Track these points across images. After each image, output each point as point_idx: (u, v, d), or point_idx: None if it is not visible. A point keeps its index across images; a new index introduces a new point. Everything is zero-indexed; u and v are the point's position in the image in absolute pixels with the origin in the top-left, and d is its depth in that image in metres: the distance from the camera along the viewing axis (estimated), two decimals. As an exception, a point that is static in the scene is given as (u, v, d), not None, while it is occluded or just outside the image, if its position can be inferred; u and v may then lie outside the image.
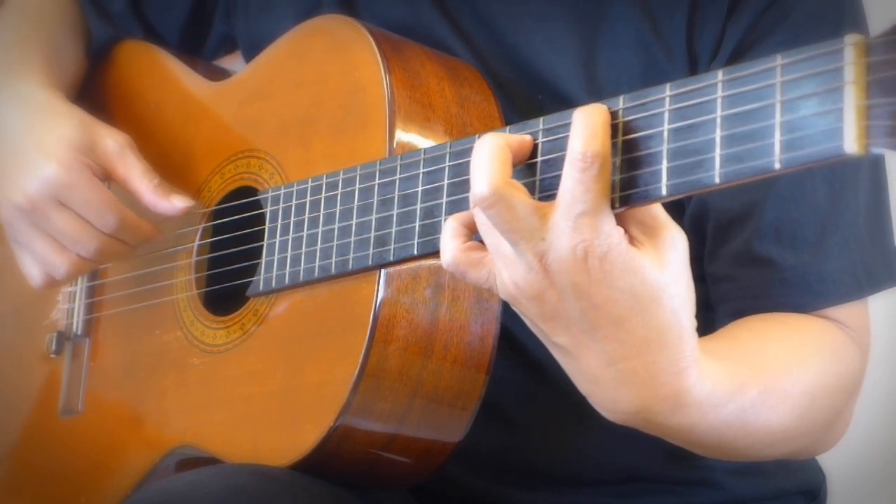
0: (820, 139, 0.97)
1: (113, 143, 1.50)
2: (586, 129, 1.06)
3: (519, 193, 1.08)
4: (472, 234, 1.14)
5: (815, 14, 1.36)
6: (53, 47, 1.64)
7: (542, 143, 1.12)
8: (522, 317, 1.14)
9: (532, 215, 1.07)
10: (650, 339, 1.10)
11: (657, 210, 1.08)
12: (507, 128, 1.21)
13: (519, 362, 1.43)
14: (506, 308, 1.33)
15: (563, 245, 1.06)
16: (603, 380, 1.12)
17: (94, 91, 1.68)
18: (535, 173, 1.12)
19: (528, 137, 1.12)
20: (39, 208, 1.48)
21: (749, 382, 1.20)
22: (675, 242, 1.09)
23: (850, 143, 0.95)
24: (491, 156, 1.08)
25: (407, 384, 1.30)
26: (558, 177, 1.08)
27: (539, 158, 1.12)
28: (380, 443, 1.32)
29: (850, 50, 0.95)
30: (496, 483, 1.46)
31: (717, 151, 1.03)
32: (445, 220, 1.16)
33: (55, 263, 1.50)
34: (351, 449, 1.31)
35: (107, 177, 1.50)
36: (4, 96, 1.57)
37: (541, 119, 1.13)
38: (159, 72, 1.63)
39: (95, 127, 1.51)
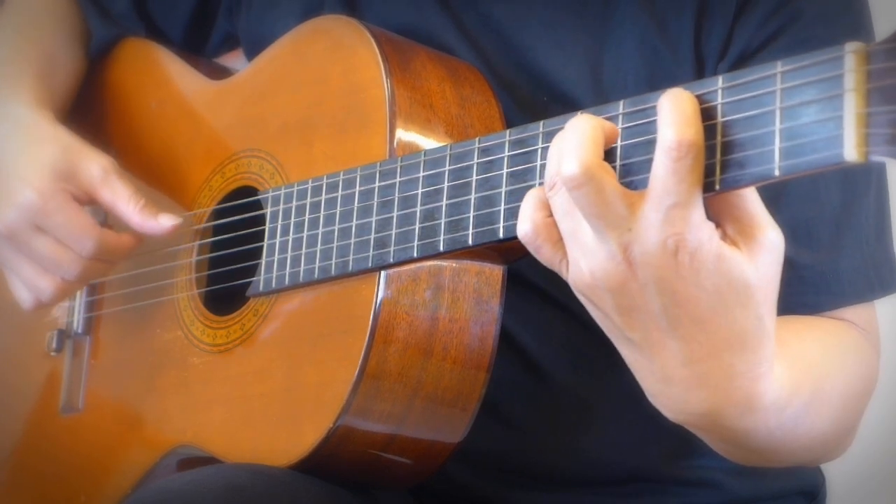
0: (820, 146, 0.97)
1: (97, 167, 1.50)
2: (679, 115, 1.01)
3: (610, 177, 1.04)
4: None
5: (827, 17, 1.35)
6: (48, 58, 1.64)
7: (623, 127, 1.08)
8: (592, 308, 1.10)
9: (620, 201, 1.03)
10: (731, 342, 1.06)
11: (757, 209, 1.04)
12: (507, 131, 1.22)
13: (518, 362, 1.43)
14: (506, 308, 1.34)
15: (652, 237, 1.03)
16: (676, 380, 1.09)
17: (94, 89, 1.68)
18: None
19: (614, 126, 1.07)
20: (19, 235, 1.49)
21: (803, 386, 1.17)
22: (772, 245, 1.05)
23: (850, 151, 0.95)
24: (585, 135, 1.04)
25: (407, 385, 1.30)
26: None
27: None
28: (380, 443, 1.33)
29: (850, 58, 0.95)
30: (496, 483, 1.46)
31: (718, 157, 1.03)
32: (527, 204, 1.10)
33: (41, 287, 1.51)
34: (351, 449, 1.31)
35: (91, 201, 1.50)
36: None
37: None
38: (160, 70, 1.63)
39: (78, 152, 1.51)
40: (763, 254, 1.05)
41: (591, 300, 1.09)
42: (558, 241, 1.09)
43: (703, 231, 1.02)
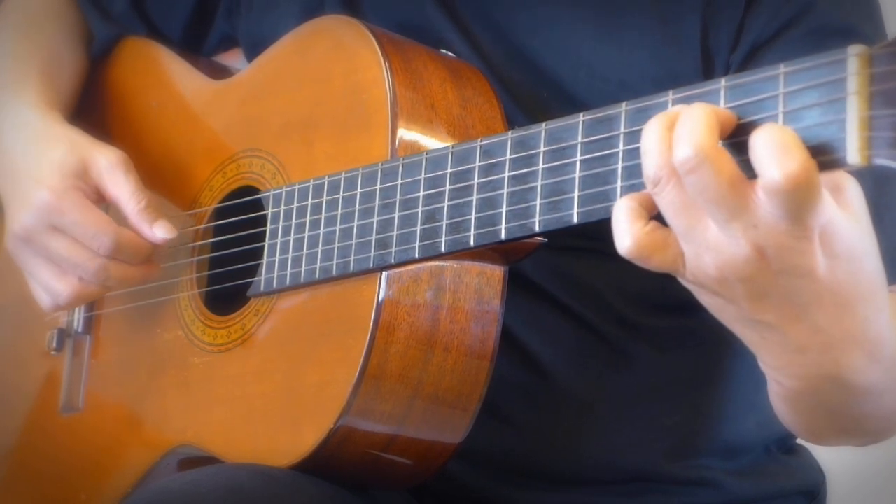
0: (822, 150, 0.97)
1: (104, 161, 1.49)
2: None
3: (727, 158, 0.99)
4: (650, 214, 1.05)
5: (840, 4, 1.35)
6: (51, 60, 1.64)
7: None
8: (714, 298, 1.07)
9: (740, 187, 0.99)
10: (862, 295, 1.06)
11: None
12: (509, 132, 1.22)
13: (520, 362, 1.43)
14: (507, 308, 1.34)
15: (782, 230, 1.00)
16: (812, 347, 1.07)
17: (96, 88, 1.68)
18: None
19: (730, 112, 1.02)
20: (35, 236, 1.49)
21: None
22: (859, 193, 1.04)
23: (853, 155, 0.95)
24: (697, 119, 1.00)
25: (407, 385, 1.30)
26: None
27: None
28: (380, 444, 1.32)
29: (853, 61, 0.95)
30: (496, 483, 1.46)
31: None
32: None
33: (57, 289, 1.50)
34: (351, 450, 1.31)
35: (101, 199, 1.50)
36: (3, 122, 1.58)
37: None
38: (162, 70, 1.63)
39: (88, 148, 1.51)
40: (859, 203, 1.04)
41: (717, 292, 1.06)
42: (664, 246, 1.05)
43: (827, 210, 1.00)
